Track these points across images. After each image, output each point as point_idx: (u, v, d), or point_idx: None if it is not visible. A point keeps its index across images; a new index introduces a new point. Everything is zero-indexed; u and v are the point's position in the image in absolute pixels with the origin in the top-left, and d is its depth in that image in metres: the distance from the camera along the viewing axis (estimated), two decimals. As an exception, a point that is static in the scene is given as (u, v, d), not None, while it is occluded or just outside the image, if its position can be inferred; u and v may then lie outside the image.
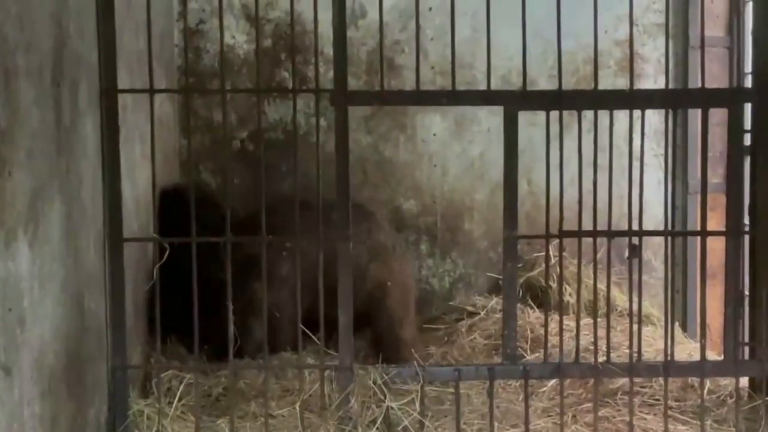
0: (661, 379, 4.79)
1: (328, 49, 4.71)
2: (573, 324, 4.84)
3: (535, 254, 6.63)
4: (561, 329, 4.71)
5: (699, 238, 4.67)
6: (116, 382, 4.35)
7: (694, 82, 6.51)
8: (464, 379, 4.72)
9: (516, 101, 4.61)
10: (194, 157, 6.47)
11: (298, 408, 4.52)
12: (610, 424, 4.79)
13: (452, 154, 6.90)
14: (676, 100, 4.91)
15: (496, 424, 4.60)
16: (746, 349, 5.01)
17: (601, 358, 4.64)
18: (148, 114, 4.41)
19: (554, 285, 5.62)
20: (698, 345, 4.88)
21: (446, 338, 6.18)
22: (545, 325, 4.68)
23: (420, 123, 6.86)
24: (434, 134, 6.87)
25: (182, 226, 4.47)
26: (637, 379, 4.76)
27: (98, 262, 4.24)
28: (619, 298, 6.25)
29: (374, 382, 4.57)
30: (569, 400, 4.89)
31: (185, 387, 4.68)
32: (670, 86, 5.03)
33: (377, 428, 4.48)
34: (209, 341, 4.88)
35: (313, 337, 4.71)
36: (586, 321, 5.33)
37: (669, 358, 4.65)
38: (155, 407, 4.46)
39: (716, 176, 6.35)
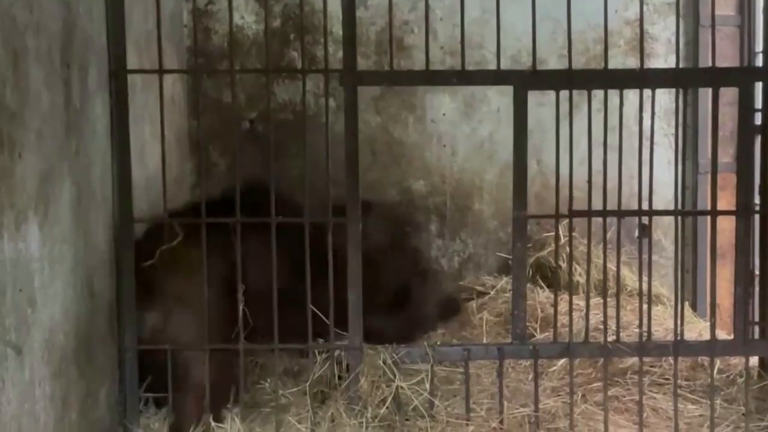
0: (670, 359, 4.80)
1: (337, 29, 4.70)
2: (582, 304, 4.84)
3: (545, 234, 6.60)
4: (570, 309, 4.71)
5: (709, 217, 4.66)
6: (127, 363, 4.37)
7: (705, 61, 6.47)
8: (474, 359, 4.73)
9: (525, 81, 4.58)
10: (203, 137, 6.46)
11: (307, 388, 4.54)
12: (619, 403, 4.81)
13: (462, 135, 6.88)
14: (686, 79, 4.89)
15: (505, 403, 4.61)
16: (756, 328, 5.00)
17: (611, 338, 4.64)
18: (157, 95, 4.40)
19: (564, 265, 5.61)
20: (708, 324, 4.88)
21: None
22: (555, 305, 4.68)
23: (429, 103, 6.84)
24: (444, 114, 6.86)
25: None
26: (646, 359, 4.76)
27: (108, 242, 4.25)
28: (629, 277, 6.23)
29: (384, 362, 4.56)
30: (579, 380, 4.89)
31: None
32: (681, 65, 5.00)
33: (387, 408, 4.48)
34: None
35: (324, 318, 4.64)
36: (596, 301, 5.32)
37: (679, 337, 4.65)
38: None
39: (726, 155, 6.32)
